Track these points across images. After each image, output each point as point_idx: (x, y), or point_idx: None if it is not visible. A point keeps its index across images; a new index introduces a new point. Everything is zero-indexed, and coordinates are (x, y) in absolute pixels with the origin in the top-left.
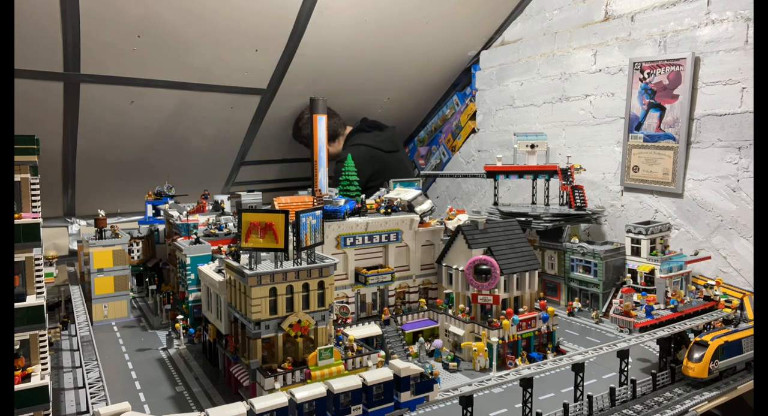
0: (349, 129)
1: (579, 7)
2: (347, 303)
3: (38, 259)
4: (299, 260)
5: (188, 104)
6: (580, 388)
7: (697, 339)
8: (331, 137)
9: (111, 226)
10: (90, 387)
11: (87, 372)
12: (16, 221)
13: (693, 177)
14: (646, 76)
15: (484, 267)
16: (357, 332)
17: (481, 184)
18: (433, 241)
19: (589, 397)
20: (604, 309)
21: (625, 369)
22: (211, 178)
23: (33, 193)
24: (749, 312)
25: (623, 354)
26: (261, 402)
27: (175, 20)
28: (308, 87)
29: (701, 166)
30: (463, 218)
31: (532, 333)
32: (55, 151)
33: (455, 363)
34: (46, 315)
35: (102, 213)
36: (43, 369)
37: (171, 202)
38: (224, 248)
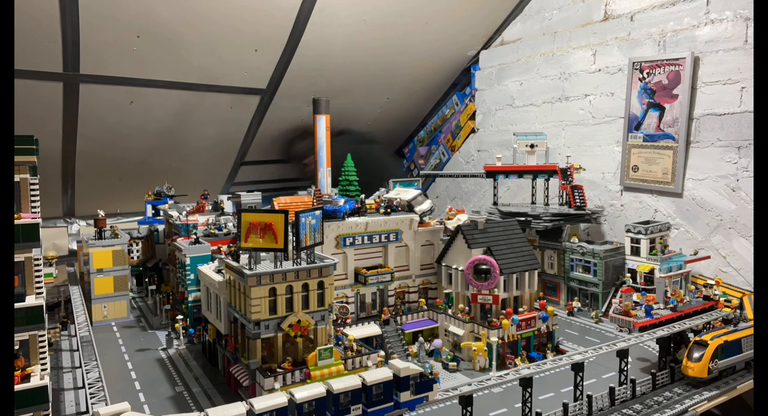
0: None
1: (578, 7)
2: (347, 303)
3: (38, 260)
4: (299, 260)
5: (188, 104)
6: (580, 388)
7: (697, 338)
8: None
9: (111, 227)
10: (90, 388)
11: (87, 373)
12: (16, 221)
13: (692, 176)
14: (645, 75)
15: (484, 267)
16: (357, 332)
17: (480, 184)
18: (432, 241)
19: (589, 397)
20: (603, 309)
21: (625, 368)
22: (211, 178)
23: (32, 193)
24: (749, 312)
25: (623, 354)
26: (261, 402)
27: (175, 20)
28: (308, 87)
29: (701, 166)
30: (462, 218)
31: (532, 333)
32: (55, 151)
33: (455, 363)
34: (46, 316)
35: (102, 213)
36: (42, 370)
37: (170, 202)
38: (224, 248)
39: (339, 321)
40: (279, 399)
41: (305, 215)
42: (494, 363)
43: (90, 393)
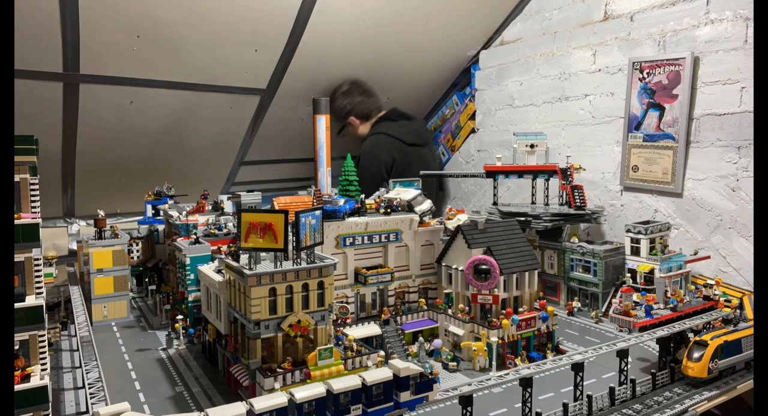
0: (381, 113)
1: (578, 7)
2: (347, 303)
3: (37, 259)
4: (299, 260)
5: (188, 104)
6: (580, 388)
7: (697, 338)
8: (365, 116)
9: (110, 226)
10: (90, 388)
11: (87, 373)
12: (16, 221)
13: (692, 176)
14: (645, 75)
15: (484, 267)
16: (357, 332)
17: (480, 184)
18: (432, 241)
19: (589, 397)
20: (603, 309)
21: (625, 368)
22: (211, 178)
23: (32, 193)
24: (749, 312)
25: (623, 354)
26: (261, 402)
27: (175, 20)
28: (308, 87)
29: (701, 166)
30: (462, 218)
31: (532, 333)
32: (55, 152)
33: (455, 363)
34: (46, 316)
35: (101, 213)
36: (42, 370)
37: (170, 202)
38: (224, 248)
39: (339, 321)
40: (279, 399)
41: (305, 215)
42: (494, 363)
43: (90, 393)
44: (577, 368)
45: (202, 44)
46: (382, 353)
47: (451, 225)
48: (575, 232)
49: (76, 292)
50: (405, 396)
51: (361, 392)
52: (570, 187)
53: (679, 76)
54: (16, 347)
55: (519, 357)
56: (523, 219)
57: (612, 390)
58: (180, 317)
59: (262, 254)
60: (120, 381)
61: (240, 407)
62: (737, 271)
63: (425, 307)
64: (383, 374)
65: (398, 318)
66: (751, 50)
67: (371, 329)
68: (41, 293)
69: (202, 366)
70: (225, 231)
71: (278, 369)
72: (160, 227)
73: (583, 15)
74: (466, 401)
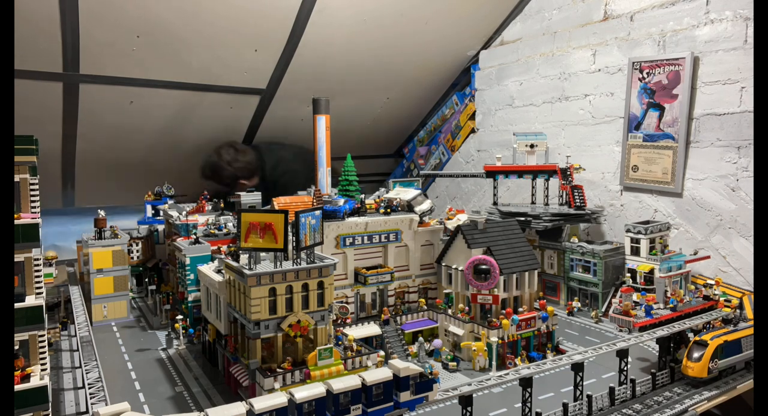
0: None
1: (578, 7)
2: (347, 303)
3: (37, 260)
4: (299, 260)
5: (188, 104)
6: (580, 388)
7: (697, 338)
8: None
9: (111, 227)
10: (89, 388)
11: (86, 373)
12: (16, 221)
13: (692, 176)
14: (645, 75)
15: (484, 267)
16: (356, 332)
17: (480, 184)
18: (432, 241)
19: (589, 397)
20: (603, 309)
21: (625, 368)
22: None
23: (32, 193)
24: (748, 312)
25: (623, 354)
26: (260, 402)
27: (174, 20)
28: (308, 87)
29: (700, 166)
30: (462, 218)
31: (532, 333)
32: (55, 152)
33: (455, 363)
34: (46, 316)
35: (102, 213)
36: (42, 370)
37: (170, 202)
38: (224, 248)
39: (339, 321)
40: (279, 399)
41: (305, 215)
42: (494, 363)
43: (90, 393)
44: (577, 368)
45: (202, 44)
46: (382, 353)
47: (451, 225)
48: (575, 232)
49: (76, 292)
50: (405, 396)
51: (361, 392)
52: (570, 187)
53: (679, 75)
54: (16, 347)
55: (519, 357)
56: (523, 219)
57: (612, 390)
58: (180, 317)
59: (262, 254)
60: (120, 381)
61: (240, 407)
62: (737, 271)
63: (425, 307)
64: (383, 374)
65: (398, 318)
66: (751, 50)
67: (371, 329)
68: (41, 293)
69: (202, 366)
70: (225, 231)
71: (278, 369)
72: (160, 227)
73: (583, 15)
74: (466, 401)
